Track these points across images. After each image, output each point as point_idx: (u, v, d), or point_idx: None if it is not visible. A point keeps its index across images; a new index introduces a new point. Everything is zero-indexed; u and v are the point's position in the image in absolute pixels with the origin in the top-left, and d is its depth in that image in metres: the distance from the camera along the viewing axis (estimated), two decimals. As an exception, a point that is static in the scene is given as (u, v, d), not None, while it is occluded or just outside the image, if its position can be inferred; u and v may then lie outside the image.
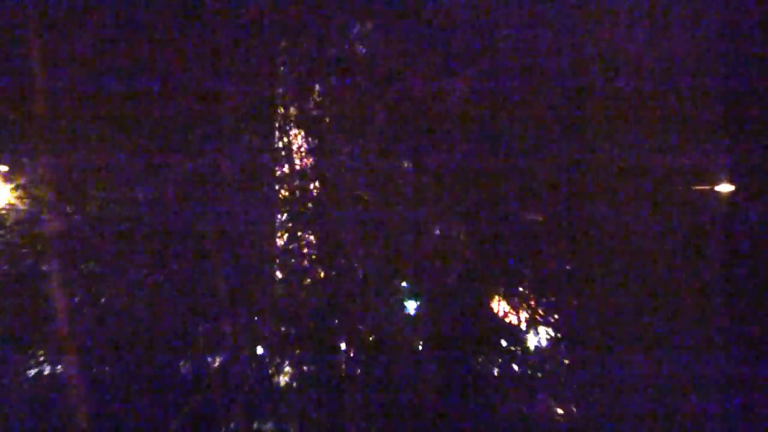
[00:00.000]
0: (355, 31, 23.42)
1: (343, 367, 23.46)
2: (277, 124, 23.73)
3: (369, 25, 23.61)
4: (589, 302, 23.51)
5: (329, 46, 23.04)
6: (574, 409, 24.14)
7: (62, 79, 21.20)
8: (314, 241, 23.83)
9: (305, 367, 23.68)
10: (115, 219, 22.12)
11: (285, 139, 23.82)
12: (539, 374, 24.04)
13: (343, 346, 23.68)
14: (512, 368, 24.09)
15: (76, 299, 22.06)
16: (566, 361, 24.16)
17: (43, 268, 21.35)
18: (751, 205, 23.09)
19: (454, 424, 23.36)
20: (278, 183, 23.83)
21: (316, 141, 23.61)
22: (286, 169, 23.75)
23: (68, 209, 21.69)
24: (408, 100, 23.17)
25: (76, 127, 21.62)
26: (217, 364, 22.90)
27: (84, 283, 22.21)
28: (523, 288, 24.12)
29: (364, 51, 23.42)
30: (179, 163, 22.09)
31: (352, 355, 23.46)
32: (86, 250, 22.11)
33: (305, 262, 23.71)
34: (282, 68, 23.65)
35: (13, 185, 21.61)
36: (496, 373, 24.07)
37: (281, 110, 23.64)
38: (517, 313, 24.22)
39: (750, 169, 23.03)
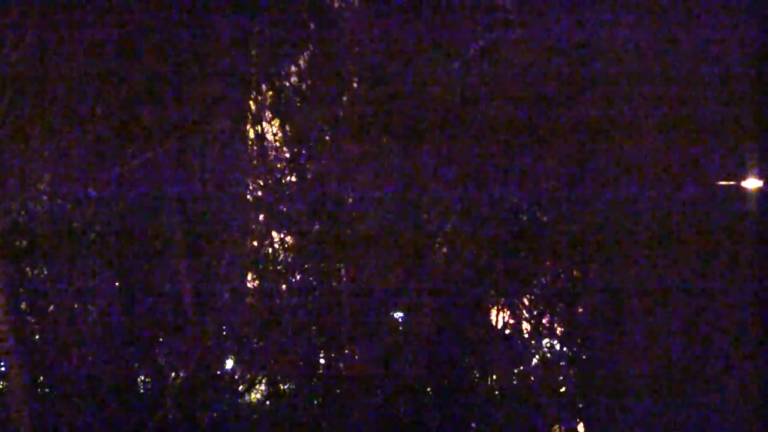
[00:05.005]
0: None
1: (323, 385, 22.64)
2: (249, 109, 22.84)
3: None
4: (600, 312, 22.43)
5: (309, 17, 22.28)
6: (580, 430, 23.56)
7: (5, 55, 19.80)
8: (291, 243, 22.84)
9: (280, 385, 22.73)
10: (64, 216, 20.94)
11: (258, 127, 22.82)
12: (542, 390, 23.22)
13: (323, 361, 22.80)
14: (512, 383, 23.32)
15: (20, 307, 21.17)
16: (572, 377, 23.54)
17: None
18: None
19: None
20: (250, 176, 23.00)
21: (292, 129, 22.79)
22: (259, 160, 23.00)
23: (10, 205, 20.38)
24: (397, 83, 22.33)
25: (18, 110, 20.13)
26: (179, 380, 21.77)
27: (29, 289, 21.34)
28: (527, 296, 23.41)
29: (348, 24, 22.58)
30: (138, 152, 20.96)
31: (333, 371, 22.59)
32: (31, 251, 20.93)
33: (281, 267, 22.64)
34: (254, 49, 22.54)
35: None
36: (494, 389, 23.38)
37: (254, 94, 22.79)
38: (519, 324, 23.45)
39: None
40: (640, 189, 22.13)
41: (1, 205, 20.14)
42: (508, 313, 23.37)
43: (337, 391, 22.57)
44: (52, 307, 21.30)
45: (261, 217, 22.86)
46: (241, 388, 22.64)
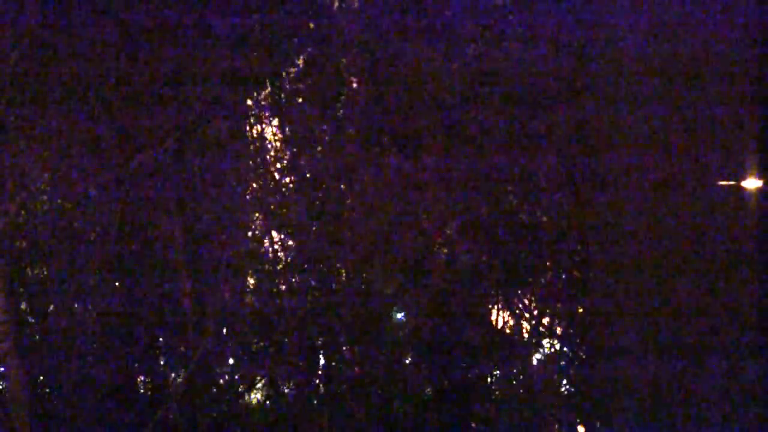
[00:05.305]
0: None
1: (322, 384, 22.48)
2: (249, 109, 22.62)
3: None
4: (600, 312, 22.18)
5: (308, 18, 21.98)
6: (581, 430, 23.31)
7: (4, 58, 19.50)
8: (290, 243, 22.66)
9: (280, 385, 22.65)
10: (64, 217, 20.88)
11: (258, 128, 22.71)
12: (542, 391, 23.10)
13: (322, 361, 22.66)
14: (512, 384, 23.29)
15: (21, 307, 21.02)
16: (572, 377, 23.41)
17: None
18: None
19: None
20: (249, 177, 22.76)
21: (292, 130, 22.49)
22: (258, 161, 22.70)
23: (11, 206, 19.94)
24: (396, 84, 22.17)
25: (18, 114, 19.96)
26: (180, 380, 21.71)
27: (29, 290, 21.12)
28: (526, 296, 23.18)
29: (347, 25, 22.31)
30: (137, 154, 20.71)
31: (332, 371, 22.42)
32: (32, 252, 20.90)
33: (280, 267, 22.40)
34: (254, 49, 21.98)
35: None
36: (494, 390, 23.36)
37: (254, 94, 22.52)
38: (519, 324, 23.24)
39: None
40: (640, 189, 22.02)
41: (1, 205, 19.90)
42: (508, 313, 23.28)
43: (337, 391, 22.45)
44: (52, 307, 21.09)
45: (261, 217, 22.72)
46: (241, 388, 22.57)
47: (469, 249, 22.25)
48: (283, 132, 22.73)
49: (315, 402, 22.51)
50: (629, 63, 22.03)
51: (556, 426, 23.13)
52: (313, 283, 22.38)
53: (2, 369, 20.43)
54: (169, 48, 20.67)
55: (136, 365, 21.78)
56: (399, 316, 23.05)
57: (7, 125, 19.93)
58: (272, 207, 22.55)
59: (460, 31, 22.55)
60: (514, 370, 23.16)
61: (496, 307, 23.38)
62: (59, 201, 21.02)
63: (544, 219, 22.76)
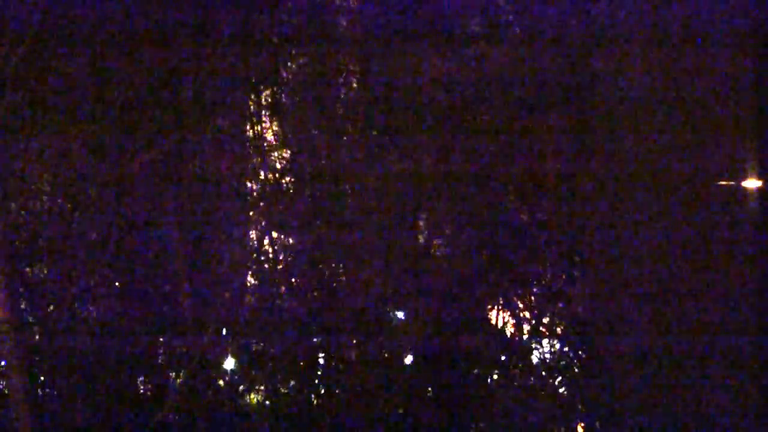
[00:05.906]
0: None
1: (323, 385, 22.33)
2: (248, 110, 22.56)
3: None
4: (599, 312, 22.36)
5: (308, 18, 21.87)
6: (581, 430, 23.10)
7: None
8: (290, 244, 22.65)
9: (279, 385, 22.45)
10: (65, 217, 20.76)
11: (257, 128, 22.62)
12: (542, 391, 22.99)
13: (322, 361, 22.55)
14: (512, 385, 23.08)
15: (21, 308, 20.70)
16: (572, 377, 23.14)
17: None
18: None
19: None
20: (249, 177, 22.73)
21: (292, 130, 22.55)
22: (258, 160, 22.64)
23: (11, 206, 19.92)
24: (396, 84, 22.16)
25: (18, 112, 19.66)
26: (180, 380, 21.55)
27: (29, 290, 20.97)
28: (526, 296, 23.09)
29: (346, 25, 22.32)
30: (137, 153, 20.52)
31: (332, 372, 22.30)
32: (32, 252, 20.79)
33: (280, 267, 22.36)
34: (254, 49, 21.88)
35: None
36: (494, 390, 23.09)
37: (253, 95, 22.42)
38: (519, 324, 23.12)
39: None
40: (641, 189, 22.01)
41: (1, 205, 19.99)
42: (508, 313, 23.23)
43: (337, 391, 22.39)
44: (52, 307, 21.02)
45: (261, 217, 22.62)
46: (241, 388, 22.51)
47: (468, 249, 22.19)
48: (283, 132, 22.62)
49: (315, 402, 22.42)
50: (630, 64, 22.03)
51: (556, 426, 23.08)
52: (312, 283, 22.29)
53: (2, 369, 20.39)
54: (170, 48, 20.60)
55: (136, 365, 21.67)
56: (399, 316, 22.96)
57: (7, 125, 19.88)
58: (272, 207, 22.44)
59: (460, 31, 22.50)
60: (514, 371, 23.04)
61: (496, 307, 23.30)
62: (59, 201, 20.92)
63: (544, 219, 22.65)
